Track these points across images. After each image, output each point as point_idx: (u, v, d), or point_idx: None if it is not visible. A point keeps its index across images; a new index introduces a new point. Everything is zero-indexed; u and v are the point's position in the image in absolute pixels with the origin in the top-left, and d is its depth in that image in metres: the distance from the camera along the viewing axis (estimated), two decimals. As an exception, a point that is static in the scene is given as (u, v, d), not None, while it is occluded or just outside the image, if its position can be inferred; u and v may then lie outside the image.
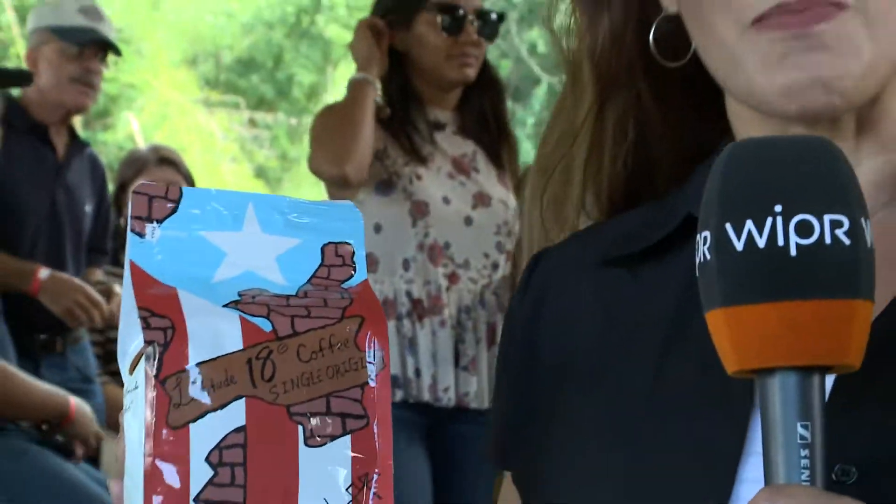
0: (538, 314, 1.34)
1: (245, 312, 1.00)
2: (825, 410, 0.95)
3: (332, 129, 4.16)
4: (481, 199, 4.37)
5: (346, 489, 0.97)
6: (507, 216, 4.44)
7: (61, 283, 4.89)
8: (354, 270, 1.06)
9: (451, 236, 4.28)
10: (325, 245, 1.07)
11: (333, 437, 0.98)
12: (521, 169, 4.60)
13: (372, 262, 4.22)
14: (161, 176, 5.85)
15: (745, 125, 1.21)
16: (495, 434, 1.38)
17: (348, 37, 12.74)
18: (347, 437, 0.98)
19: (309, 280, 1.05)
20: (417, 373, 4.22)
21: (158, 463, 0.95)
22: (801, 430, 0.93)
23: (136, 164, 6.09)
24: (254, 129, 14.45)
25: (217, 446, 0.95)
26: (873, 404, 1.08)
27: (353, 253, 1.07)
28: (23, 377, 4.38)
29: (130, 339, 1.01)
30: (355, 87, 4.24)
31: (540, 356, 1.32)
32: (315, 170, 4.29)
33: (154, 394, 0.95)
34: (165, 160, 6.06)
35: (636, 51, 1.28)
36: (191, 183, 6.01)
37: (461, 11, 4.36)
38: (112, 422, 5.16)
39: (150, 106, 13.28)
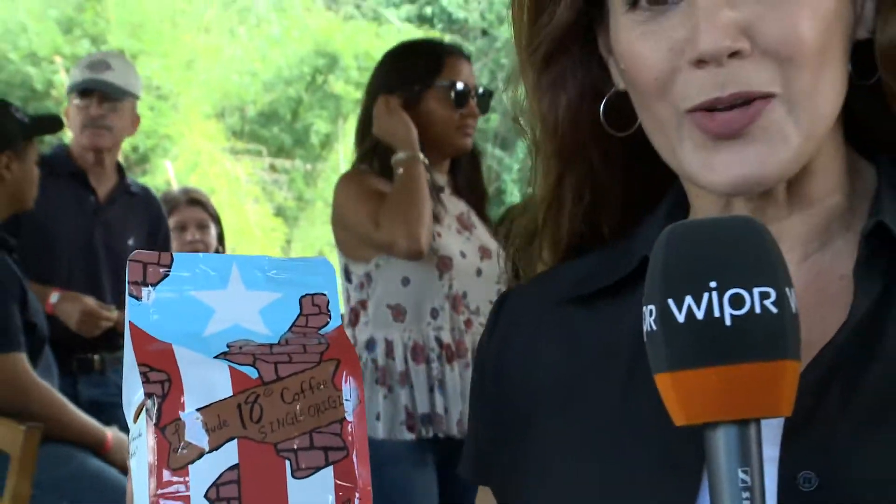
0: (506, 347, 1.33)
1: (233, 362, 1.01)
2: (783, 435, 1.02)
3: (398, 207, 4.13)
4: (485, 252, 4.40)
5: None
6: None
7: (69, 301, 4.86)
8: (330, 318, 1.08)
9: (468, 287, 4.31)
10: (302, 297, 1.08)
11: (318, 469, 0.99)
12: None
13: (399, 313, 4.25)
14: (191, 215, 5.86)
15: (693, 186, 1.21)
16: (473, 454, 1.36)
17: (356, 93, 12.80)
18: (330, 468, 0.99)
19: (289, 329, 1.06)
20: (446, 410, 4.24)
21: (163, 502, 0.96)
22: (741, 475, 0.94)
23: (169, 203, 6.05)
24: (274, 173, 14.52)
25: (214, 483, 0.97)
26: (826, 424, 1.08)
27: (328, 302, 1.08)
28: (69, 407, 4.37)
29: (133, 391, 1.02)
30: (410, 166, 4.21)
31: (510, 384, 1.30)
32: (389, 247, 4.22)
33: (155, 440, 0.97)
34: (195, 201, 6.06)
35: (589, 124, 1.25)
36: (217, 220, 6.05)
37: (466, 87, 4.41)
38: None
39: (183, 154, 13.33)
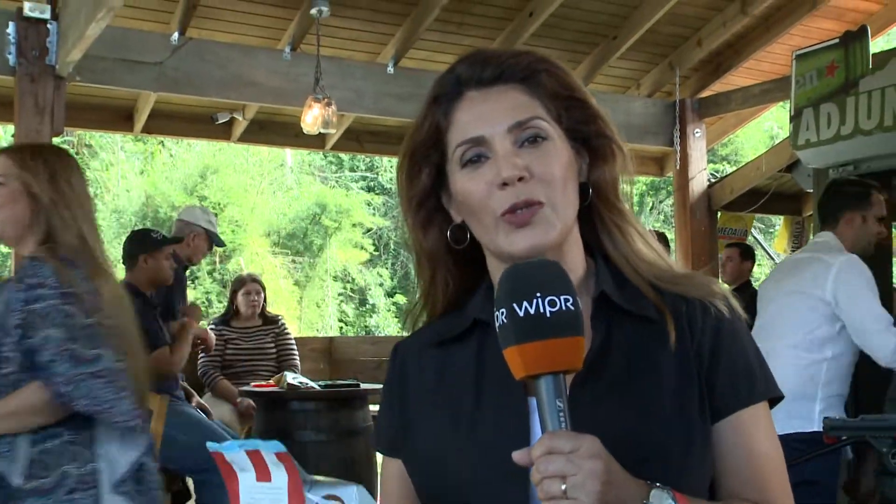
0: (403, 372, 1.15)
1: None
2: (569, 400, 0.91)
3: None
4: None
5: None
6: None
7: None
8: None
9: None
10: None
11: None
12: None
13: None
14: (252, 286, 5.57)
15: (496, 266, 1.08)
16: (386, 438, 1.15)
17: (336, 225, 12.52)
18: None
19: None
20: None
21: None
22: (558, 403, 0.89)
23: (240, 280, 5.80)
24: (294, 264, 14.31)
25: None
26: (586, 401, 0.99)
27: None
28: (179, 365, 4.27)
29: None
30: None
31: (407, 397, 1.13)
32: None
33: None
34: (254, 279, 5.83)
35: (444, 243, 1.12)
36: (264, 289, 5.69)
37: None
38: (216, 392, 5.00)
39: (248, 254, 13.12)
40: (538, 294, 0.89)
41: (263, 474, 0.89)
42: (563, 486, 0.84)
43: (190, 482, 4.31)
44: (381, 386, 4.69)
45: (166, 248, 4.40)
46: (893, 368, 3.04)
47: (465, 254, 1.12)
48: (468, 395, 1.06)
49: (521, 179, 1.02)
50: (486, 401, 1.05)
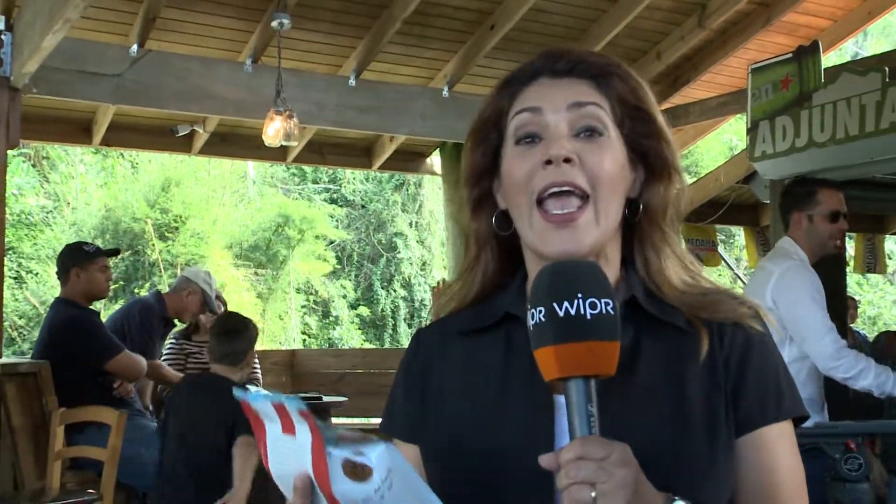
0: (428, 361, 1.12)
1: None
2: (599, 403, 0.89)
3: None
4: None
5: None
6: None
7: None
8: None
9: None
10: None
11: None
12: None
13: None
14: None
15: (532, 261, 1.07)
16: (402, 424, 1.12)
17: (298, 236, 12.47)
18: None
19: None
20: None
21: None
22: (589, 409, 0.87)
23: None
24: (256, 277, 14.20)
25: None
26: (615, 408, 0.95)
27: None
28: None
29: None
30: None
31: (430, 383, 1.11)
32: None
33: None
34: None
35: (493, 226, 1.10)
36: (225, 304, 5.68)
37: None
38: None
39: (211, 266, 12.92)
40: (580, 295, 0.87)
41: (289, 428, 0.85)
42: (593, 494, 0.82)
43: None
44: (344, 399, 4.67)
45: (99, 259, 4.32)
46: (832, 375, 3.01)
47: (507, 243, 1.11)
48: (494, 387, 1.05)
49: (567, 161, 1.01)
50: (511, 394, 1.03)
